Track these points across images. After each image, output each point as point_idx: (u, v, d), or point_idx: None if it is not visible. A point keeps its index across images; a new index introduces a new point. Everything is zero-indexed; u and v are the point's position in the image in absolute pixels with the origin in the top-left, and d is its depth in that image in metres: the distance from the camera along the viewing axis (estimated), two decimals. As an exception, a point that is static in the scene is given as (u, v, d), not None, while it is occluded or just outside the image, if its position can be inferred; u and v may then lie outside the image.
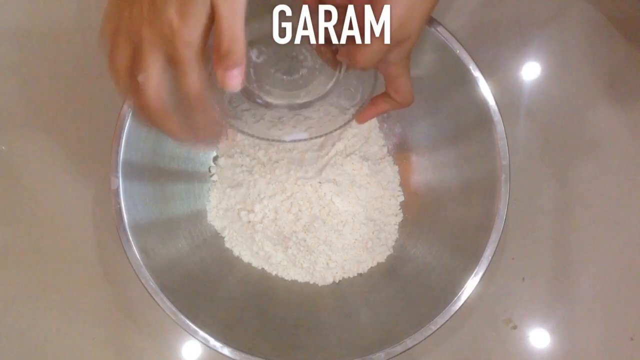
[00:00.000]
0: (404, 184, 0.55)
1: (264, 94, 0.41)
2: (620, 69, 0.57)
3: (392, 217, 0.54)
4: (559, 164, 0.56)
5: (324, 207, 0.52)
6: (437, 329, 0.44)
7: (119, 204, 0.45)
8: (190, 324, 0.44)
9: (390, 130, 0.56)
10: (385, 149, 0.55)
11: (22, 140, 0.55)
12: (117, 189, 0.45)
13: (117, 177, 0.45)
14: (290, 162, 0.53)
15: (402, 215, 0.54)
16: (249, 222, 0.52)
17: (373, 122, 0.55)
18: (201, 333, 0.44)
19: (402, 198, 0.55)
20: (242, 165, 0.53)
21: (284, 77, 0.41)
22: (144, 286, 0.44)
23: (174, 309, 0.44)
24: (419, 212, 0.54)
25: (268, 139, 0.42)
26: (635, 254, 0.54)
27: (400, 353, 0.44)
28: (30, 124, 0.55)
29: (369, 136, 0.55)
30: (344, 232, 0.52)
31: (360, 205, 0.52)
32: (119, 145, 0.45)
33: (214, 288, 0.50)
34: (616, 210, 0.55)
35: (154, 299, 0.44)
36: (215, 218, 0.53)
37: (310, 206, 0.52)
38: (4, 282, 0.53)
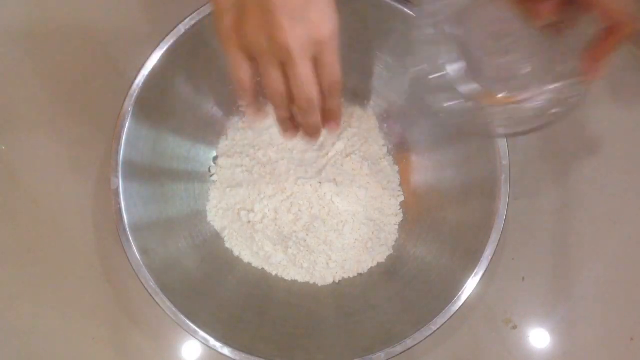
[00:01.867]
0: (404, 184, 0.55)
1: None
2: (620, 69, 0.57)
3: (392, 217, 0.54)
4: (559, 163, 0.55)
5: (324, 207, 0.52)
6: (437, 329, 0.44)
7: (119, 204, 0.45)
8: (190, 324, 0.44)
9: (390, 130, 0.56)
10: (385, 149, 0.55)
11: (22, 140, 0.55)
12: (117, 189, 0.45)
13: (117, 177, 0.45)
14: (290, 162, 0.53)
15: (402, 215, 0.54)
16: (249, 222, 0.52)
17: (373, 122, 0.55)
18: (201, 333, 0.44)
19: (402, 198, 0.55)
20: (242, 165, 0.53)
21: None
22: (144, 286, 0.44)
23: (174, 309, 0.44)
24: (419, 212, 0.54)
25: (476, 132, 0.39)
26: (635, 254, 0.54)
27: (400, 353, 0.44)
28: (30, 124, 0.55)
29: (369, 136, 0.55)
30: (344, 232, 0.52)
31: (360, 205, 0.52)
32: (119, 145, 0.45)
33: (214, 288, 0.50)
34: (616, 210, 0.55)
35: (154, 299, 0.44)
36: (215, 218, 0.53)
37: (310, 206, 0.52)
38: (4, 282, 0.53)
